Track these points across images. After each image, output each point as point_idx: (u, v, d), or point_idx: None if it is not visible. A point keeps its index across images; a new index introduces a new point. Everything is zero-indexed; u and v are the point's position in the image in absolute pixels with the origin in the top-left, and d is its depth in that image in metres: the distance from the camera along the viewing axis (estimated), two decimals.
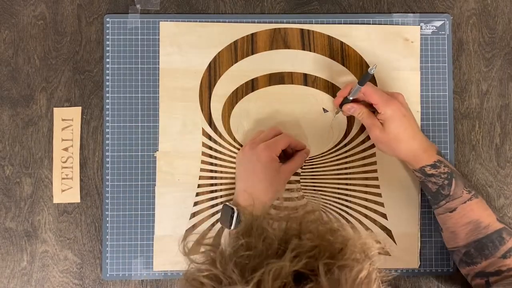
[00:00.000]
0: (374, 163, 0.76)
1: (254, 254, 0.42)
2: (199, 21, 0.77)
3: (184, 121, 0.76)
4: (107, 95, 0.76)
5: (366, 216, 0.76)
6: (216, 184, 0.76)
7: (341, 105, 0.73)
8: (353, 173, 0.76)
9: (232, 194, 0.75)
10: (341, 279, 0.41)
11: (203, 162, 0.76)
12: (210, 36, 0.77)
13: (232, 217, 0.67)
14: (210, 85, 0.77)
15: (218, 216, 0.75)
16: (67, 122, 0.76)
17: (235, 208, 0.68)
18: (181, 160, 0.76)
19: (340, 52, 0.77)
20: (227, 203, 0.69)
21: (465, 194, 0.67)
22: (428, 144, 0.70)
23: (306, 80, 0.77)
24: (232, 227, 0.67)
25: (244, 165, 0.71)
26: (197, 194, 0.76)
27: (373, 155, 0.77)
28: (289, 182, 0.76)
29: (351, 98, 0.71)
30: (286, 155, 0.73)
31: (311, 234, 0.43)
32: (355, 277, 0.41)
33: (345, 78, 0.77)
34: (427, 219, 0.76)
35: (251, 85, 0.77)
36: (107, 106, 0.76)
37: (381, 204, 0.76)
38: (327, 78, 0.77)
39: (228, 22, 0.77)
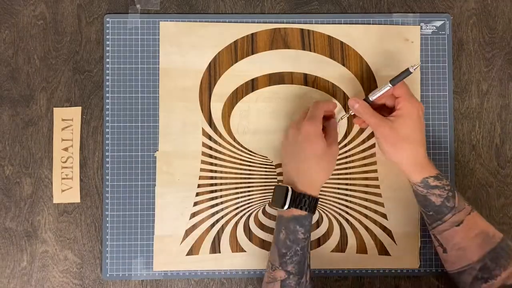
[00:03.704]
0: (374, 163, 0.76)
1: None
2: (199, 21, 0.77)
3: (184, 121, 0.76)
4: (107, 95, 0.76)
5: (366, 216, 0.76)
6: (216, 184, 0.76)
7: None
8: (353, 173, 0.76)
9: (232, 194, 0.75)
10: None
11: (203, 162, 0.76)
12: (210, 36, 0.77)
13: (286, 196, 0.66)
14: (210, 85, 0.77)
15: (218, 216, 0.75)
16: (67, 122, 0.76)
17: (289, 187, 0.66)
18: (181, 160, 0.76)
19: (340, 52, 0.77)
20: (279, 184, 0.68)
21: (467, 206, 0.65)
22: (429, 158, 0.69)
23: (306, 80, 0.77)
24: (286, 206, 0.66)
25: (291, 148, 0.69)
26: (197, 194, 0.76)
27: (373, 155, 0.77)
28: None
29: (371, 99, 0.69)
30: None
31: None
32: None
33: (345, 78, 0.77)
34: None
35: (251, 85, 0.77)
36: (107, 106, 0.76)
37: (381, 204, 0.76)
38: (327, 78, 0.77)
39: (228, 22, 0.77)
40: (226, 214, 0.76)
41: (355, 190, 0.76)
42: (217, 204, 0.76)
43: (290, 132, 0.70)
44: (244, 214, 0.76)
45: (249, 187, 0.76)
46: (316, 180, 0.68)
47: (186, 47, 0.77)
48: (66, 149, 0.76)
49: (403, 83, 0.68)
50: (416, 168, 0.67)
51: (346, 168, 0.76)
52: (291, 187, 0.66)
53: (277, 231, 0.68)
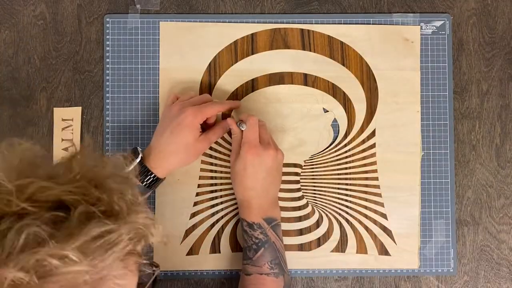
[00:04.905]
0: (374, 163, 0.76)
1: None
2: (199, 21, 0.77)
3: None
4: (107, 95, 0.76)
5: (366, 216, 0.76)
6: (216, 184, 0.76)
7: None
8: (353, 173, 0.76)
9: (232, 194, 0.75)
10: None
11: (203, 162, 0.76)
12: (210, 36, 0.77)
13: (131, 162, 0.67)
14: (210, 85, 0.77)
15: (218, 216, 0.75)
16: (67, 122, 0.76)
17: (139, 158, 0.67)
18: None
19: (340, 52, 0.77)
20: (138, 148, 0.69)
21: (266, 267, 0.68)
22: (266, 207, 0.70)
23: (306, 80, 0.77)
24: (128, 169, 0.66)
25: (166, 122, 0.69)
26: (197, 194, 0.76)
27: (373, 155, 0.77)
28: (289, 182, 0.76)
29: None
30: (207, 127, 0.73)
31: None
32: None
33: (345, 78, 0.77)
34: (427, 219, 0.76)
35: (251, 85, 0.77)
36: (107, 106, 0.76)
37: (381, 204, 0.76)
38: (327, 78, 0.77)
39: (228, 22, 0.77)
40: (226, 214, 0.76)
41: (355, 190, 0.76)
42: (217, 204, 0.76)
43: (173, 109, 0.69)
44: None
45: None
46: (173, 165, 0.70)
47: (186, 47, 0.77)
48: (66, 149, 0.76)
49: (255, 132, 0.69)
50: (240, 206, 0.71)
51: (346, 168, 0.76)
52: (141, 159, 0.67)
53: None
